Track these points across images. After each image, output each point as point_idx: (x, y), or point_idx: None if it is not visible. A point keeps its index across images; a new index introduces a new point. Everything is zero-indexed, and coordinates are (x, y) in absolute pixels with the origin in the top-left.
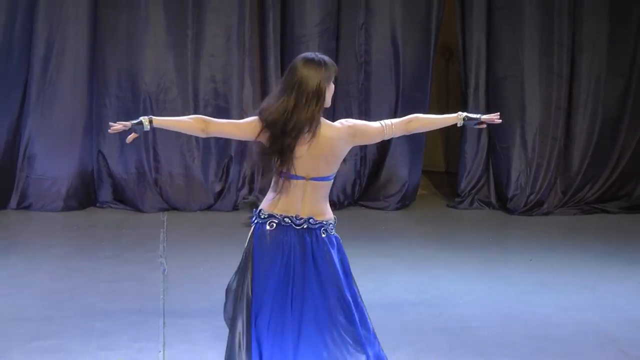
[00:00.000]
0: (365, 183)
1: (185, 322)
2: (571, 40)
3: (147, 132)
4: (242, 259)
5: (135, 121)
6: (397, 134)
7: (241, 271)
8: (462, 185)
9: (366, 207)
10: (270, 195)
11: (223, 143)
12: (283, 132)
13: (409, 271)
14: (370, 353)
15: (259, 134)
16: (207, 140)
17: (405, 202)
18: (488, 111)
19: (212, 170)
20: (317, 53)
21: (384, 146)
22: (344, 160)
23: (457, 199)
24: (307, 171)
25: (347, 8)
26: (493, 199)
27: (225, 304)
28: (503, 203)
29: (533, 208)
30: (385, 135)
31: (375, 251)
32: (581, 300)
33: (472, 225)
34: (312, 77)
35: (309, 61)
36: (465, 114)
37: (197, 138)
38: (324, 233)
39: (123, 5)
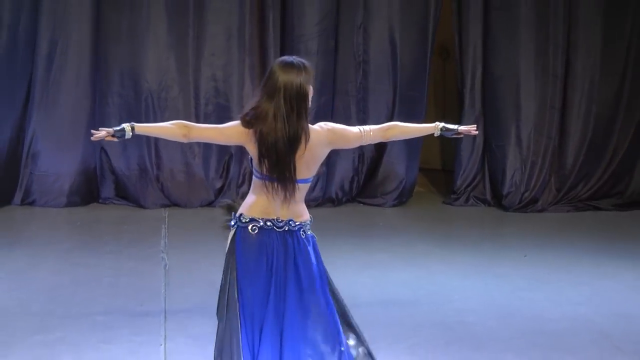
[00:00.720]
0: (363, 180)
1: (186, 317)
2: (566, 42)
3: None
4: (225, 263)
5: (117, 128)
6: (375, 140)
7: (225, 275)
8: (458, 182)
9: (364, 203)
10: (250, 198)
11: None
12: (284, 153)
13: (406, 267)
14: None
15: (243, 141)
16: None
17: (403, 199)
18: (484, 110)
19: (213, 167)
20: (294, 57)
21: (382, 144)
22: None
23: (453, 196)
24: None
25: (346, 8)
26: (488, 196)
27: (218, 303)
28: (498, 200)
29: (527, 205)
30: (363, 140)
31: (372, 247)
32: (575, 295)
33: (467, 221)
34: (295, 81)
35: (288, 65)
36: (442, 124)
37: None
38: (303, 234)
39: (125, 6)
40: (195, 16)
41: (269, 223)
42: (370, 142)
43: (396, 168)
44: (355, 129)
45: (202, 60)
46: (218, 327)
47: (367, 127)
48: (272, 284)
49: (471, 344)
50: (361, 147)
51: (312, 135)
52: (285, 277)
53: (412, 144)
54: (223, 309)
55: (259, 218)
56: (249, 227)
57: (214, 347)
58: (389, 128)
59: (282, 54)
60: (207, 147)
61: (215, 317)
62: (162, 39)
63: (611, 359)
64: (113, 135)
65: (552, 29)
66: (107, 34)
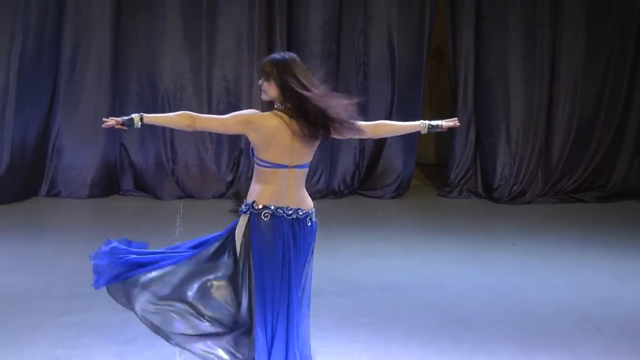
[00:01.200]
0: (363, 174)
1: None
2: (551, 46)
3: (164, 126)
4: (240, 247)
5: (126, 117)
6: (365, 135)
7: (240, 259)
8: (452, 176)
9: (364, 195)
10: (256, 186)
11: (234, 137)
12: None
13: (403, 254)
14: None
15: (243, 130)
16: (219, 134)
17: (400, 191)
18: (476, 109)
19: (224, 162)
20: (287, 52)
21: (381, 141)
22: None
23: (447, 189)
24: (290, 160)
25: (348, 14)
26: (480, 189)
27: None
28: (489, 193)
29: (516, 197)
30: (353, 133)
31: (372, 236)
32: (559, 281)
33: (460, 212)
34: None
35: (288, 62)
36: (428, 122)
37: (210, 132)
38: (309, 222)
39: (143, 12)
40: (208, 22)
41: (280, 211)
42: (359, 137)
43: (394, 163)
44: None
45: (214, 63)
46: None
47: (358, 122)
48: (285, 267)
49: (463, 326)
50: (362, 143)
51: None
52: (295, 261)
53: (409, 141)
54: (241, 293)
55: (270, 205)
56: (262, 214)
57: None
58: (377, 126)
59: None
60: (219, 143)
61: None
62: (177, 43)
63: (592, 339)
64: (122, 124)
65: (539, 35)
66: (126, 39)
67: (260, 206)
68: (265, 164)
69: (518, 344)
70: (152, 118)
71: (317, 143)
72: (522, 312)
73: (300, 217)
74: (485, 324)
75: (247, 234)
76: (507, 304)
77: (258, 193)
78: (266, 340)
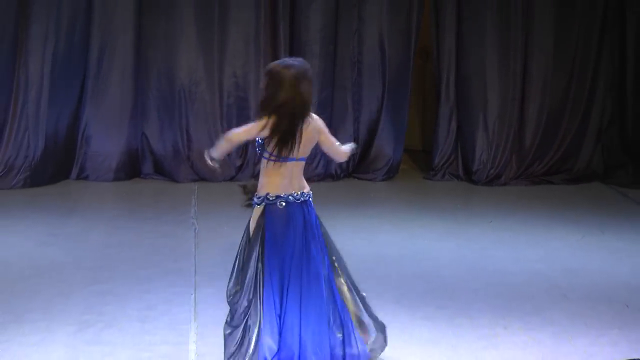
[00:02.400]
0: (357, 159)
1: (212, 271)
2: (524, 45)
3: (181, 117)
4: (252, 237)
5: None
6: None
7: (250, 247)
8: (436, 161)
9: (358, 178)
10: (265, 179)
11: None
12: (292, 115)
13: (393, 230)
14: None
15: (264, 134)
16: (229, 126)
17: (390, 174)
18: (457, 102)
19: (234, 149)
20: (294, 57)
21: (373, 129)
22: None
23: (431, 172)
24: (297, 153)
25: (344, 18)
26: (460, 172)
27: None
28: (469, 176)
29: (493, 180)
30: (330, 151)
31: (365, 214)
32: (531, 254)
33: (443, 193)
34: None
35: (287, 66)
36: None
37: (222, 122)
38: (312, 202)
39: (162, 16)
40: (219, 25)
41: (291, 198)
42: (330, 154)
43: (385, 149)
44: (333, 140)
45: (225, 61)
46: (236, 296)
47: (337, 145)
48: (295, 250)
49: (446, 294)
50: (356, 132)
51: (312, 123)
52: (305, 240)
53: (398, 130)
54: (248, 280)
55: (282, 195)
56: (277, 203)
57: (232, 315)
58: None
59: (290, 56)
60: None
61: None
62: (193, 43)
63: (560, 304)
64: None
65: (513, 36)
66: (147, 40)
67: (274, 196)
68: (280, 159)
69: (494, 309)
70: (220, 155)
71: (314, 141)
72: (498, 281)
73: (305, 199)
74: (465, 291)
75: (261, 223)
76: (485, 274)
77: (270, 185)
78: (277, 319)
